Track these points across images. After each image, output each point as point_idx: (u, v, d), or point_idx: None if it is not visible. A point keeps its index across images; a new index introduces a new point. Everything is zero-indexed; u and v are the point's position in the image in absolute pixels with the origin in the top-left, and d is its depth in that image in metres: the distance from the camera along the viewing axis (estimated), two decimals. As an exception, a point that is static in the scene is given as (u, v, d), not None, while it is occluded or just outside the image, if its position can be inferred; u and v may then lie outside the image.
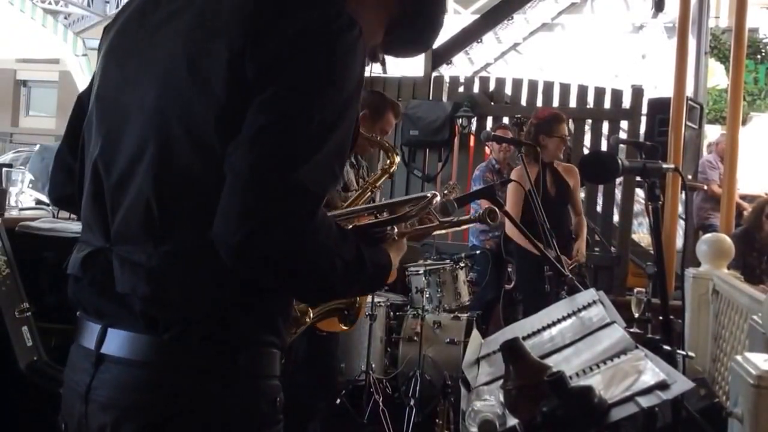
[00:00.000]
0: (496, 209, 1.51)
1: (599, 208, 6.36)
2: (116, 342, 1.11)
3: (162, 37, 1.14)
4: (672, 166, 2.00)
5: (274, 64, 1.04)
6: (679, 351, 1.75)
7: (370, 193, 2.31)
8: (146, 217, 1.08)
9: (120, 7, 1.32)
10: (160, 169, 1.08)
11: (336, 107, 1.05)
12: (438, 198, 1.33)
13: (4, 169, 4.88)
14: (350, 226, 1.25)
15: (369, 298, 3.80)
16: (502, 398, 1.52)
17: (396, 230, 1.27)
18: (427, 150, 6.63)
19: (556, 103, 6.38)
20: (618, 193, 6.37)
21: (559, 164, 4.30)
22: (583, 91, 6.46)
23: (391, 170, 2.32)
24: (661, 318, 1.81)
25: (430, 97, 6.69)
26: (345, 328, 1.98)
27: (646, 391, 1.33)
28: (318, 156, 1.02)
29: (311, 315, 1.92)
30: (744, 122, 8.42)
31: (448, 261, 4.71)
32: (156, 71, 1.12)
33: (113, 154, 1.14)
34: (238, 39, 1.05)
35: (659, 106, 5.82)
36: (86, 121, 1.24)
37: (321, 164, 1.03)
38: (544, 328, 1.88)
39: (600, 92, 6.41)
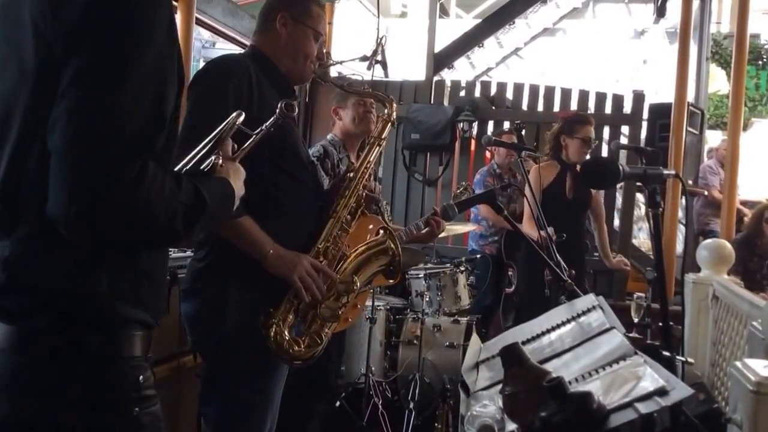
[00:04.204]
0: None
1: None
2: None
3: None
4: (672, 172, 2.00)
5: (79, 29, 1.02)
6: (678, 357, 1.75)
7: (378, 148, 2.27)
8: None
9: None
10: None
11: (150, 61, 1.05)
12: (242, 117, 1.33)
13: None
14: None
15: (369, 302, 3.80)
16: (500, 403, 1.52)
17: (220, 158, 1.28)
18: (428, 154, 6.63)
19: (557, 108, 6.38)
20: (619, 198, 6.37)
21: None
22: (584, 95, 6.46)
23: (392, 119, 2.30)
24: (660, 323, 1.81)
25: (432, 101, 6.69)
26: (391, 281, 2.09)
27: (645, 397, 1.33)
28: (139, 113, 1.03)
29: (357, 282, 1.99)
30: (745, 128, 8.42)
31: (448, 265, 4.71)
32: None
33: None
34: (39, 5, 1.04)
35: (660, 112, 5.82)
36: None
37: (144, 119, 1.03)
38: (543, 333, 1.88)
39: (601, 97, 6.41)
